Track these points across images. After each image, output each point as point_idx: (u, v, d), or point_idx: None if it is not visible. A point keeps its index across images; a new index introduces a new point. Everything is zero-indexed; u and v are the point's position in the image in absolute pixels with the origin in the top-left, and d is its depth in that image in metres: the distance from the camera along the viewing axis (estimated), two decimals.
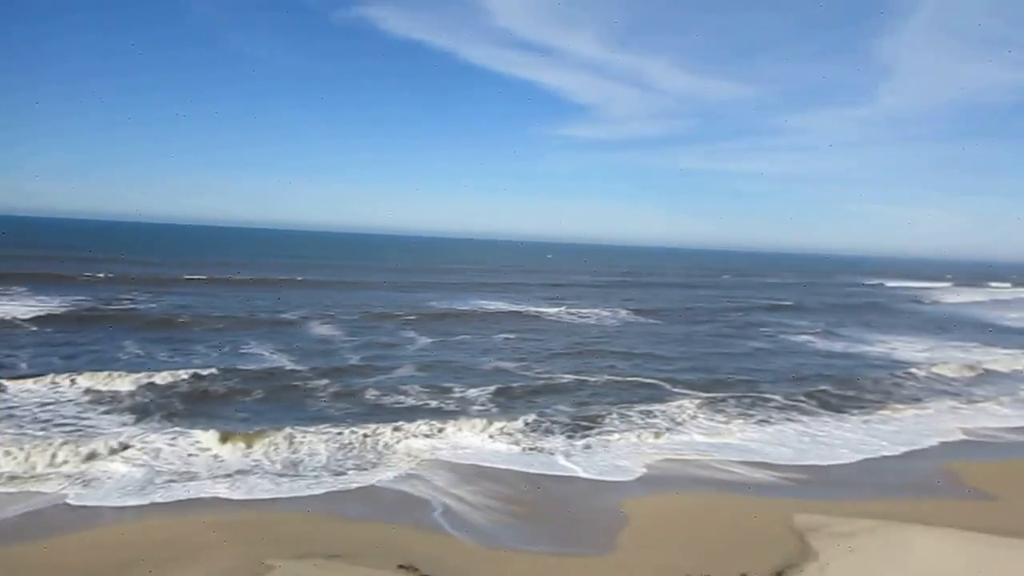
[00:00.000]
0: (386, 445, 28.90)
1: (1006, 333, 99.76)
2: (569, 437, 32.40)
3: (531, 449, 30.83)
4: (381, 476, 25.91)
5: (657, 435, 33.62)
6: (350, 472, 26.06)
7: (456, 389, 39.47)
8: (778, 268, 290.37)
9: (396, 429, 30.34)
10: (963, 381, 57.36)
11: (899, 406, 45.62)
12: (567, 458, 30.00)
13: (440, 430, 31.08)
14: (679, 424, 36.26)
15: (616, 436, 33.21)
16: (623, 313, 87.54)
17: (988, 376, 59.79)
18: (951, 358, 68.80)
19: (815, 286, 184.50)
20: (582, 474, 28.48)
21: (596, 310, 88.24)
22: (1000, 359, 70.50)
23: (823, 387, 47.74)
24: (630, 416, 36.57)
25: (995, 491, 29.97)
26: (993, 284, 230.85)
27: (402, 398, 37.19)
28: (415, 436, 30.05)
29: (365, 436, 29.34)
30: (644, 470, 29.31)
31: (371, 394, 37.45)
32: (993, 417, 44.82)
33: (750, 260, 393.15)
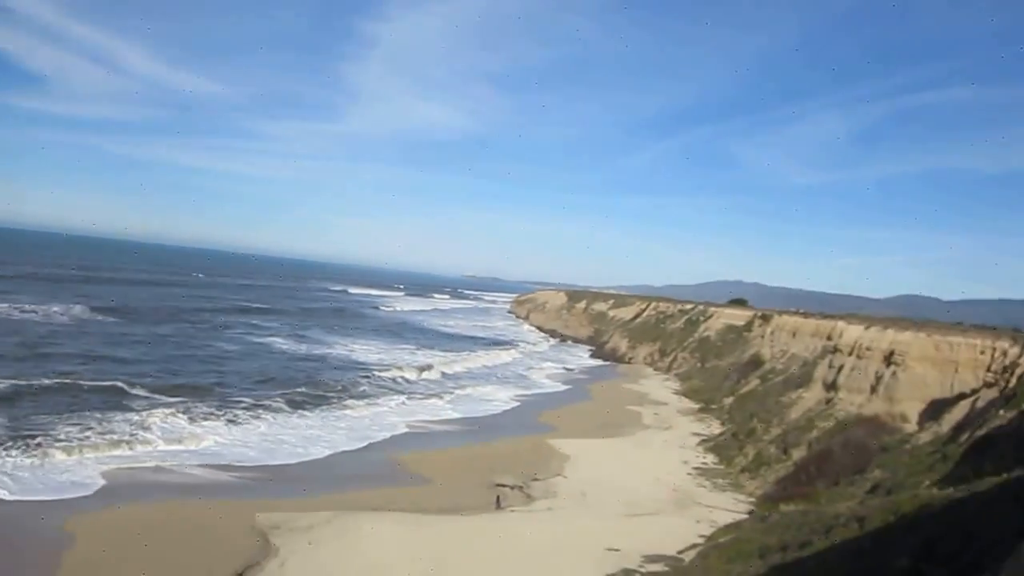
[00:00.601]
0: None
1: (445, 338, 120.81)
2: None
3: None
4: None
5: (116, 444, 31.79)
6: None
7: None
8: (251, 269, 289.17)
9: None
10: (411, 380, 67.87)
11: (357, 403, 50.65)
12: None
13: None
14: (143, 430, 34.68)
15: (64, 449, 30.28)
16: (78, 309, 78.34)
17: (430, 375, 72.08)
18: (401, 360, 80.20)
19: (285, 289, 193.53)
20: (9, 496, 25.13)
21: (45, 306, 77.23)
22: (440, 360, 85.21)
23: (288, 388, 50.87)
24: (87, 424, 33.90)
25: (430, 475, 36.18)
26: (436, 295, 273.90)
27: None
28: None
29: None
30: (102, 482, 27.62)
31: None
32: (432, 411, 54.17)
33: (222, 260, 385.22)
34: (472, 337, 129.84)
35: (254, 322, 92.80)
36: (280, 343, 77.32)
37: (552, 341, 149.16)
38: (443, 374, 72.48)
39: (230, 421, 39.60)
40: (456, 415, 52.44)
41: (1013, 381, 54.24)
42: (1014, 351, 59.30)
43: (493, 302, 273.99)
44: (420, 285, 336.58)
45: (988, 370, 60.71)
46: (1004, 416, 50.13)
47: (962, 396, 60.46)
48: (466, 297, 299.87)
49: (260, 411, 42.76)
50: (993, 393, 55.43)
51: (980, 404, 55.67)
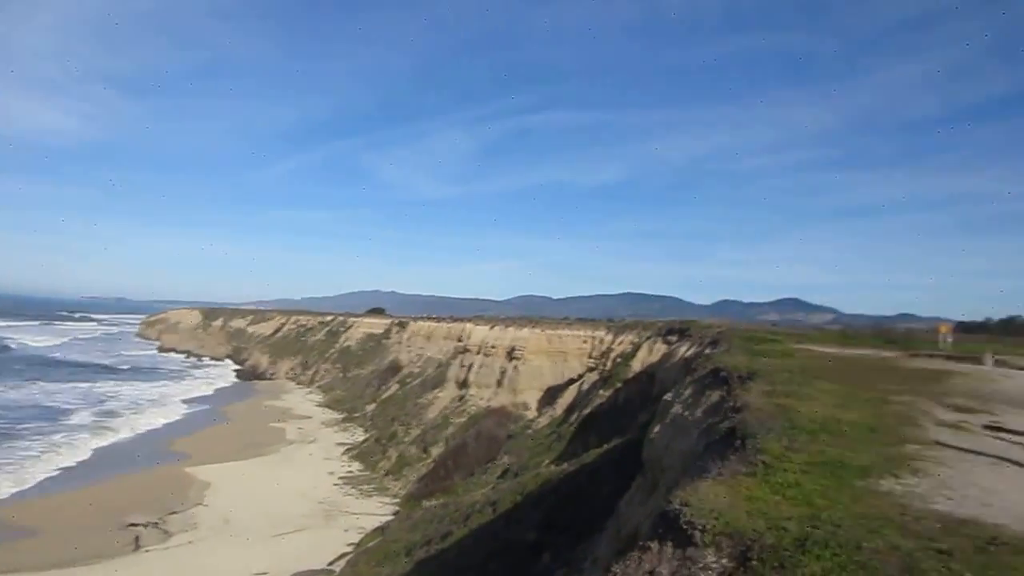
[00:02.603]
0: None
1: (65, 368, 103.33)
2: None
3: None
4: None
5: None
6: None
7: None
8: None
9: None
10: None
11: None
12: None
13: None
14: None
15: None
16: None
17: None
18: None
19: None
20: None
21: None
22: (54, 390, 72.29)
23: None
24: None
25: (36, 525, 30.97)
26: (57, 322, 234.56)
27: None
28: None
29: None
30: None
31: None
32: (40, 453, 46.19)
33: None
34: (96, 366, 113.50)
35: None
36: None
37: (189, 361, 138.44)
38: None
39: None
40: (74, 455, 45.75)
41: (609, 364, 64.40)
42: (608, 338, 70.48)
43: (118, 325, 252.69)
44: (34, 310, 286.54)
45: (590, 356, 71.22)
46: (603, 395, 59.24)
47: (571, 381, 70.03)
48: (88, 320, 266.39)
49: None
50: (595, 376, 65.14)
51: (585, 387, 65.03)
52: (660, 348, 56.04)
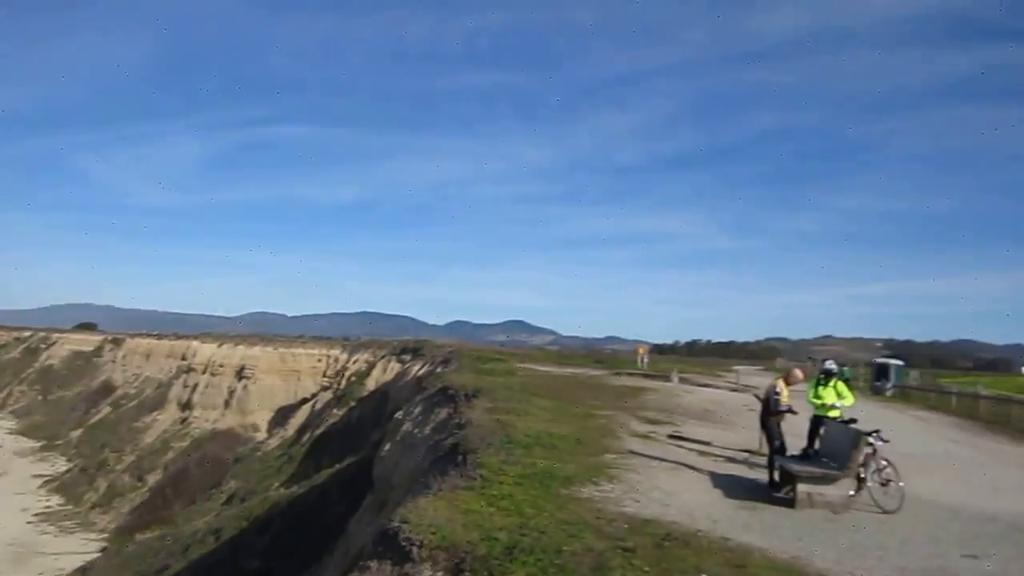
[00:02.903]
0: None
1: None
2: None
3: None
4: None
5: None
6: None
7: None
8: None
9: None
10: None
11: None
12: None
13: None
14: None
15: None
16: None
17: None
18: None
19: None
20: None
21: None
22: None
23: None
24: None
25: None
26: None
27: None
28: None
29: None
30: None
31: None
32: None
33: None
34: None
35: None
36: None
37: None
38: None
39: None
40: None
41: (344, 383, 63.55)
42: (344, 357, 69.57)
43: None
44: None
45: (324, 375, 69.75)
46: (337, 414, 58.28)
47: (304, 401, 67.92)
48: None
49: None
50: (329, 395, 63.84)
51: (319, 406, 63.45)
52: (394, 367, 56.61)
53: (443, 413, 18.47)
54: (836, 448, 11.87)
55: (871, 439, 11.33)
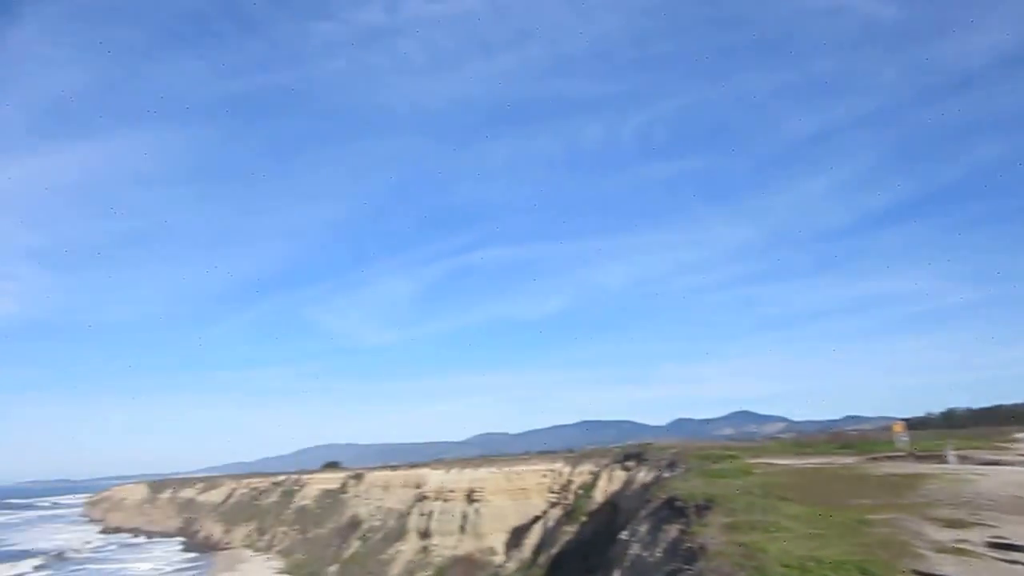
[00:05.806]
0: None
1: None
2: None
3: None
4: None
5: None
6: None
7: None
8: None
9: None
10: None
11: None
12: None
13: None
14: None
15: None
16: None
17: None
18: None
19: None
20: None
21: None
22: None
23: None
24: None
25: None
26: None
27: None
28: None
29: None
30: None
31: None
32: None
33: None
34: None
35: None
36: None
37: (136, 540, 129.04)
38: None
39: None
40: None
41: (571, 496, 61.17)
42: (567, 469, 67.40)
43: (57, 507, 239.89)
44: None
45: (551, 491, 67.71)
46: (569, 531, 55.82)
47: (536, 519, 66.11)
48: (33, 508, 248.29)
49: None
50: (558, 511, 61.61)
51: (550, 524, 61.33)
52: (619, 475, 53.66)
53: (673, 531, 15.69)
54: None
55: None
